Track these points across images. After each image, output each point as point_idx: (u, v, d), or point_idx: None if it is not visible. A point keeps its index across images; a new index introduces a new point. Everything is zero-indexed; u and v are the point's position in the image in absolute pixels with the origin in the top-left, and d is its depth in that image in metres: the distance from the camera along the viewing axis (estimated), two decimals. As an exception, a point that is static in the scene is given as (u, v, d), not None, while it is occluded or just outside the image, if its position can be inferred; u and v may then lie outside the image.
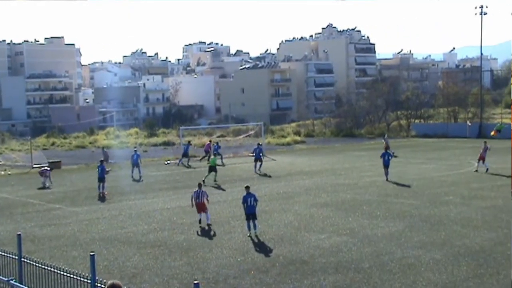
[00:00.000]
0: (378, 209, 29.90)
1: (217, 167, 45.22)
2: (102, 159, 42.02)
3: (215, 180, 42.70)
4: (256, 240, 24.46)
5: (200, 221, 27.93)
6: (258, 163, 48.21)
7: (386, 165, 40.96)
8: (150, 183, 43.83)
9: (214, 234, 25.76)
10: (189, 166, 54.26)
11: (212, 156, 46.85)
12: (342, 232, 25.19)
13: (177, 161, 56.98)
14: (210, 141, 62.48)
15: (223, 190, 39.41)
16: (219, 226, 27.49)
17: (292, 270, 20.05)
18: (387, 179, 40.42)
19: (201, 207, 27.94)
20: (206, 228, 27.25)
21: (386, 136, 63.17)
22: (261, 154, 49.15)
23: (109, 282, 8.76)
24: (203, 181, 40.42)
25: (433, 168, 46.77)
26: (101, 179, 38.61)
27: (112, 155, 62.93)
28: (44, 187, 42.39)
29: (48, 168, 45.59)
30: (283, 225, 27.01)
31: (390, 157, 41.68)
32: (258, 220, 25.72)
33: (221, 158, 54.79)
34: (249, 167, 50.29)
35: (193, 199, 28.04)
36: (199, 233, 26.18)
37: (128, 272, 20.47)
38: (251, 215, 25.46)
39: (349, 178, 42.39)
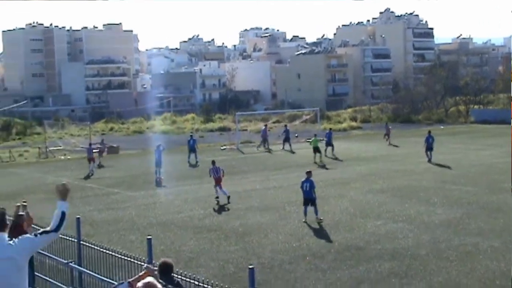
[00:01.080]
0: (435, 196, 29.54)
1: (281, 152, 45.94)
2: (159, 144, 42.38)
3: (320, 161, 44.38)
4: (311, 226, 24.45)
5: (217, 195, 30.44)
6: (329, 148, 48.24)
7: (429, 148, 42.81)
8: (206, 168, 44.05)
9: (228, 209, 25.84)
10: (268, 150, 54.03)
11: (312, 138, 47.14)
12: (398, 219, 24.99)
13: (258, 146, 56.40)
14: (265, 125, 62.50)
15: (327, 169, 41.04)
16: (275, 211, 27.56)
17: (348, 256, 19.98)
18: (429, 161, 42.02)
19: (218, 181, 30.55)
20: (226, 203, 27.52)
21: (387, 124, 62.43)
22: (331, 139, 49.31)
23: (161, 260, 8.80)
24: (315, 162, 43.65)
25: (492, 154, 45.96)
26: (158, 164, 39.01)
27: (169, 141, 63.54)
28: (89, 176, 42.03)
29: (100, 148, 47.08)
30: (338, 211, 26.93)
31: (432, 141, 43.27)
32: (319, 206, 25.65)
33: (290, 144, 54.45)
34: (305, 153, 50.20)
35: (212, 174, 31.06)
36: (215, 209, 26.31)
37: (184, 256, 20.68)
38: (307, 200, 25.50)
39: (405, 164, 41.97)
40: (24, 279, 7.01)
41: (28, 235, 7.18)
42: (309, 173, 26.25)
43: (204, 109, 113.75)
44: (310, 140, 47.68)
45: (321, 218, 25.19)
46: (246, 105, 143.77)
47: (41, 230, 7.22)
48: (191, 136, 50.21)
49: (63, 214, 7.30)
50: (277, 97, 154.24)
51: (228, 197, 30.19)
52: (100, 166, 45.33)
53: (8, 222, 7.12)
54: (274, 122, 78.23)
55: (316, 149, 45.76)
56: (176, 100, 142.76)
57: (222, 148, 58.23)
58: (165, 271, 9.23)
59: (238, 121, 68.83)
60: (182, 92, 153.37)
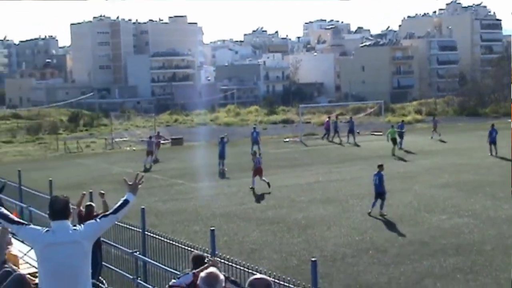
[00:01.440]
0: (502, 191, 28.96)
1: (343, 145, 45.84)
2: (222, 136, 42.57)
3: (394, 153, 44.38)
4: (375, 220, 24.28)
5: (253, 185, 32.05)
6: (398, 140, 47.63)
7: (493, 142, 42.18)
8: (269, 160, 44.18)
9: (291, 202, 25.76)
10: (340, 142, 53.80)
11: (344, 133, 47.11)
12: (463, 214, 24.61)
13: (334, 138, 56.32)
14: (329, 117, 62.25)
15: (405, 161, 41.06)
16: (337, 204, 27.47)
17: (411, 250, 19.79)
18: (492, 154, 41.41)
19: (258, 172, 32.21)
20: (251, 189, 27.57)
21: (434, 118, 61.08)
22: (403, 132, 48.71)
23: (194, 252, 8.97)
24: (393, 154, 43.89)
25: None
26: (222, 156, 39.26)
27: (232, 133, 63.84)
28: (147, 168, 41.41)
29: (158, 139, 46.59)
30: (402, 205, 26.67)
31: (496, 134, 42.55)
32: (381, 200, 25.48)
33: (354, 136, 54.15)
34: (368, 146, 49.86)
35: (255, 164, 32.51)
36: (256, 197, 26.40)
37: (247, 247, 20.80)
38: (376, 194, 25.36)
39: (472, 158, 41.26)
40: (88, 265, 7.24)
41: (91, 220, 7.49)
42: (380, 166, 26.05)
43: (268, 101, 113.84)
44: (387, 132, 47.16)
45: (385, 213, 24.98)
46: (310, 97, 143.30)
47: (101, 214, 7.44)
48: (254, 128, 50.36)
49: (126, 201, 7.64)
50: (341, 89, 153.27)
51: (252, 188, 32.01)
52: (155, 161, 44.49)
53: (71, 211, 7.34)
54: (337, 115, 77.73)
55: (394, 141, 45.55)
56: (239, 92, 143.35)
57: (285, 140, 58.24)
58: (198, 262, 9.84)
59: (302, 114, 68.70)
60: (245, 84, 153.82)
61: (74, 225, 7.31)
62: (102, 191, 16.82)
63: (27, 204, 21.07)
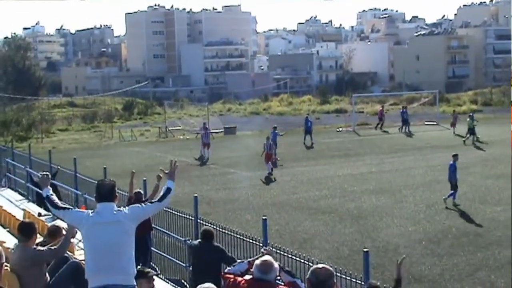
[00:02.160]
0: (560, 183, 28.37)
1: (398, 134, 45.58)
2: (275, 125, 42.43)
3: (473, 142, 44.30)
4: (428, 210, 24.06)
5: (271, 172, 33.76)
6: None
7: None
8: (321, 150, 44.12)
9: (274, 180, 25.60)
10: (409, 133, 53.27)
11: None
12: (519, 206, 24.20)
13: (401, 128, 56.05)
14: (382, 107, 61.70)
15: (483, 150, 40.91)
16: (390, 195, 27.28)
17: (465, 242, 19.56)
18: None
19: (268, 157, 34.24)
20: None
21: (454, 111, 59.34)
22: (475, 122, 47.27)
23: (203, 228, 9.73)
24: (464, 141, 44.00)
25: None
26: (275, 145, 39.27)
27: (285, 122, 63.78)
28: (202, 160, 40.61)
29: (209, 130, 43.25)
30: (457, 196, 26.34)
31: None
32: (434, 190, 25.26)
33: (408, 126, 53.61)
34: (422, 136, 49.34)
35: (266, 149, 34.75)
36: (273, 179, 26.33)
37: (299, 237, 20.82)
38: (451, 184, 25.20)
39: (528, 149, 40.49)
40: (131, 246, 7.49)
41: (136, 204, 7.86)
42: (455, 156, 25.85)
43: (321, 91, 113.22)
44: (469, 122, 46.36)
45: (459, 203, 24.75)
46: (363, 87, 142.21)
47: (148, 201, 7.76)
48: (307, 117, 50.19)
49: (168, 189, 7.88)
50: (395, 79, 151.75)
51: (270, 173, 33.55)
52: (200, 158, 41.83)
53: (117, 194, 7.65)
54: (391, 104, 77.08)
55: (471, 131, 45.12)
56: (292, 82, 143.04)
57: (338, 130, 57.99)
58: (207, 237, 11.82)
59: (355, 103, 68.24)
60: (298, 73, 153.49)
61: (119, 207, 7.61)
62: (160, 175, 16.87)
63: (82, 191, 21.41)
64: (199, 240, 12.29)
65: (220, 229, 14.75)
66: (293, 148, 45.15)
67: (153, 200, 8.03)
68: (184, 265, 15.36)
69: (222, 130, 59.14)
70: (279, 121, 62.58)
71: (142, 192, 16.84)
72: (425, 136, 49.34)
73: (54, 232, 10.07)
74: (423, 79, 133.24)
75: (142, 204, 7.88)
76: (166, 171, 8.20)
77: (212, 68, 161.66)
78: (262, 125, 63.10)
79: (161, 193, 7.87)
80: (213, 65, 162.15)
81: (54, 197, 7.87)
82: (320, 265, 5.91)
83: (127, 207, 7.68)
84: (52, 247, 9.02)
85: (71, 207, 8.01)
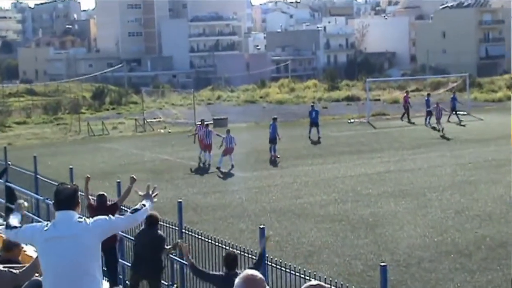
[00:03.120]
0: None
1: (421, 127, 45.98)
2: (274, 116, 42.40)
3: None
4: (457, 217, 24.07)
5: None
6: None
7: None
8: (330, 145, 44.12)
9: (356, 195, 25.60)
10: (460, 123, 53.20)
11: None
12: None
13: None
14: (406, 93, 61.83)
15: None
16: (412, 198, 27.30)
17: (502, 254, 19.57)
18: None
19: (228, 152, 36.26)
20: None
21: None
22: None
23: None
24: None
25: None
26: (273, 140, 39.28)
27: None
28: (203, 164, 38.07)
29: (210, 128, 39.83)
30: (491, 200, 26.37)
31: None
32: (464, 192, 25.26)
33: (457, 115, 53.67)
34: (451, 128, 49.35)
35: (225, 143, 36.58)
36: (314, 190, 26.24)
37: (304, 249, 20.81)
38: None
39: None
40: (94, 265, 7.41)
41: (103, 216, 7.67)
42: None
43: (328, 75, 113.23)
44: None
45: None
46: (379, 69, 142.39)
47: (115, 203, 7.74)
48: (312, 106, 50.15)
49: (143, 205, 7.88)
50: (417, 60, 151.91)
51: (208, 165, 36.33)
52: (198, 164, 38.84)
53: (79, 201, 7.55)
54: (413, 91, 77.14)
55: None
56: (295, 64, 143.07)
57: (349, 121, 58.01)
58: (152, 223, 13.49)
59: (369, 89, 68.24)
60: (302, 54, 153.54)
61: (81, 217, 7.47)
62: (134, 176, 16.88)
63: (43, 196, 21.31)
64: (143, 227, 13.73)
65: (209, 241, 14.72)
66: (296, 143, 45.14)
67: (124, 212, 8.03)
68: (166, 283, 15.32)
69: (211, 122, 59.09)
70: (279, 111, 62.52)
71: (105, 194, 16.69)
72: (454, 129, 49.37)
73: (9, 246, 10.03)
74: (450, 60, 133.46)
75: (111, 216, 7.71)
76: (141, 193, 8.23)
77: (199, 48, 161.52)
78: (259, 116, 63.09)
79: (136, 206, 7.83)
80: (200, 44, 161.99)
81: (11, 218, 7.88)
82: (313, 282, 5.84)
83: (91, 219, 7.54)
84: (14, 271, 8.96)
85: (20, 225, 7.85)
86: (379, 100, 74.95)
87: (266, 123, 48.41)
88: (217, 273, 11.81)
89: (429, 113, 52.74)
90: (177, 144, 46.90)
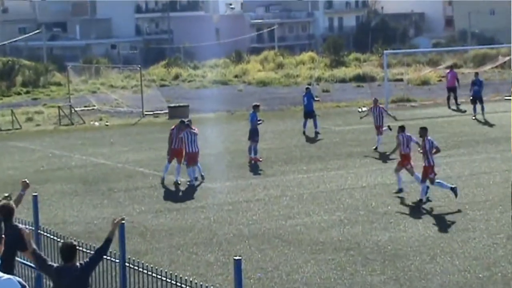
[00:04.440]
0: None
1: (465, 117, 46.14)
2: (256, 103, 42.32)
3: None
4: (510, 244, 24.14)
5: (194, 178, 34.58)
6: None
7: None
8: (333, 143, 44.14)
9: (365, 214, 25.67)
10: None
11: None
12: None
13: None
14: (451, 68, 62.04)
15: None
16: (448, 218, 27.37)
17: None
18: None
19: (176, 154, 35.02)
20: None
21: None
22: None
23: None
24: None
25: None
26: (253, 136, 39.18)
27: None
28: (177, 184, 35.67)
29: (193, 130, 36.10)
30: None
31: None
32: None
33: (482, 105, 53.84)
34: (501, 119, 49.46)
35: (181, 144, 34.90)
36: (309, 205, 26.30)
37: (296, 290, 20.83)
38: None
39: None
40: None
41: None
42: None
43: (331, 45, 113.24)
44: None
45: None
46: (401, 38, 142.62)
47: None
48: (307, 89, 50.11)
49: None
50: (454, 24, 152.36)
51: (194, 179, 34.70)
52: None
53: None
54: (448, 67, 77.40)
55: None
56: (284, 30, 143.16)
57: (360, 110, 57.96)
58: (6, 215, 14.66)
59: (388, 65, 68.35)
60: (294, 16, 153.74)
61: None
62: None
63: None
64: None
65: (163, 278, 14.70)
66: (286, 141, 45.15)
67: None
68: None
69: (166, 111, 59.07)
70: (262, 96, 62.69)
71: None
72: (505, 120, 49.48)
73: None
74: (500, 25, 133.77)
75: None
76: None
77: (148, 8, 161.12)
78: (233, 103, 63.11)
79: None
80: (150, 2, 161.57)
81: None
82: None
83: None
84: None
85: None
86: (401, 80, 75.29)
87: (243, 112, 48.47)
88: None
89: (475, 100, 52.22)
90: (118, 142, 46.79)
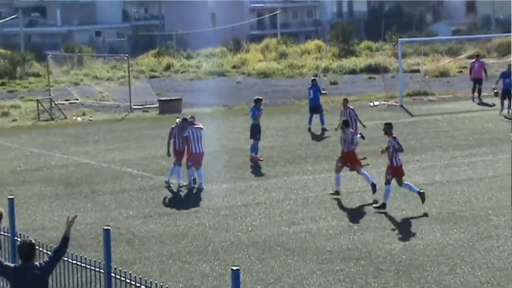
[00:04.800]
0: None
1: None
2: (258, 97, 42.16)
3: None
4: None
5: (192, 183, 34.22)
6: None
7: None
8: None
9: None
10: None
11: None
12: None
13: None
14: (477, 56, 62.08)
15: None
16: (468, 224, 27.36)
17: None
18: None
19: (197, 159, 34.06)
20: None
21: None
22: None
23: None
24: None
25: None
26: (255, 133, 39.14)
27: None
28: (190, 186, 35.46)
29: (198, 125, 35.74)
30: None
31: None
32: None
33: (510, 100, 53.91)
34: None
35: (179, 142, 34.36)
36: (313, 209, 26.28)
37: (300, 304, 20.85)
38: None
39: None
40: None
41: None
42: None
43: (339, 32, 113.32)
44: None
45: None
46: (418, 24, 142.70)
47: None
48: (313, 81, 50.12)
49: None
50: (476, 9, 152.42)
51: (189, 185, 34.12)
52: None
53: None
54: (474, 56, 77.37)
55: None
56: (287, 15, 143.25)
57: (372, 104, 58.07)
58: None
59: (403, 55, 68.40)
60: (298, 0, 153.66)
61: None
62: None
63: None
64: None
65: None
66: (290, 138, 45.17)
67: None
68: None
69: (156, 105, 59.08)
70: (264, 89, 62.69)
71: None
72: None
73: None
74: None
75: None
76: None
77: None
78: (231, 96, 63.14)
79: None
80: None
81: None
82: None
83: None
84: None
85: None
86: (417, 71, 75.27)
87: (242, 107, 48.49)
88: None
89: (506, 95, 51.92)
90: (103, 139, 46.80)
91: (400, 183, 29.96)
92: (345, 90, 66.44)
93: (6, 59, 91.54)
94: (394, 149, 29.60)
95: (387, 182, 29.81)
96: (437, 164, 37.47)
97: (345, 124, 32.85)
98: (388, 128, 30.31)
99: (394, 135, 30.07)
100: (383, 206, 29.40)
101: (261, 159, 38.66)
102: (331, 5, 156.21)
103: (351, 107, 42.15)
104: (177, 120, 35.82)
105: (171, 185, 34.48)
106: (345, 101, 41.99)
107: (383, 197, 29.71)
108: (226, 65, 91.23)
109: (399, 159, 29.71)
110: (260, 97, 41.75)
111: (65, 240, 14.60)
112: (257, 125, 39.28)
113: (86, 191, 33.90)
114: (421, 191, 29.80)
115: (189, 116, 35.78)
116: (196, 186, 34.17)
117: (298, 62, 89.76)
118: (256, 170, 37.54)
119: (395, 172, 29.75)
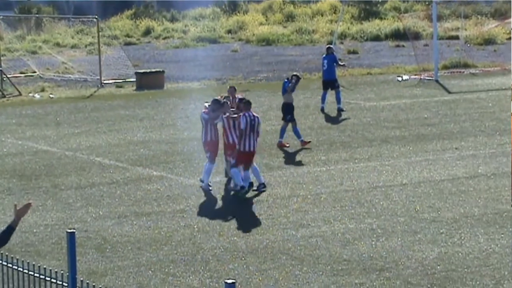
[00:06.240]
0: None
1: None
2: (295, 73, 41.97)
3: None
4: None
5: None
6: None
7: None
8: (362, 124, 44.21)
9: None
10: None
11: None
12: None
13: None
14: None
15: None
16: (506, 229, 27.40)
17: None
18: None
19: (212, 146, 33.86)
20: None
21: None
22: None
23: None
24: None
25: None
26: (287, 111, 39.25)
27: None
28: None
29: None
30: None
31: None
32: None
33: None
34: None
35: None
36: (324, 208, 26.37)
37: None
38: None
39: None
40: None
41: None
42: None
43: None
44: None
45: None
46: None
47: None
48: (328, 50, 50.17)
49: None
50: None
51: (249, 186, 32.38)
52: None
53: None
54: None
55: None
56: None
57: (400, 78, 58.16)
58: None
59: (438, 18, 68.48)
60: None
61: None
62: None
63: None
64: None
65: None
66: (299, 121, 45.26)
67: None
68: None
69: (133, 79, 59.13)
70: (266, 59, 62.81)
71: None
72: None
73: None
74: None
75: None
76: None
77: None
78: (226, 68, 63.27)
79: None
80: None
81: None
82: None
83: None
84: None
85: None
86: (457, 38, 75.37)
87: (239, 81, 48.59)
88: None
89: None
90: (66, 121, 46.87)
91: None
92: (367, 61, 66.60)
93: None
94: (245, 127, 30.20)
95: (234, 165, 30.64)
96: (480, 153, 37.53)
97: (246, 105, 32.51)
98: (246, 106, 30.85)
99: (250, 112, 30.58)
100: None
101: (287, 145, 38.72)
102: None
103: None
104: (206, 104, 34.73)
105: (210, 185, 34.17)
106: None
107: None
108: (219, 30, 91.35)
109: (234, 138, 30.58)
110: (297, 74, 41.92)
111: (10, 229, 15.16)
112: (288, 104, 39.43)
113: (46, 185, 33.95)
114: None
115: (223, 96, 35.39)
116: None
117: (308, 26, 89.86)
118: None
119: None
